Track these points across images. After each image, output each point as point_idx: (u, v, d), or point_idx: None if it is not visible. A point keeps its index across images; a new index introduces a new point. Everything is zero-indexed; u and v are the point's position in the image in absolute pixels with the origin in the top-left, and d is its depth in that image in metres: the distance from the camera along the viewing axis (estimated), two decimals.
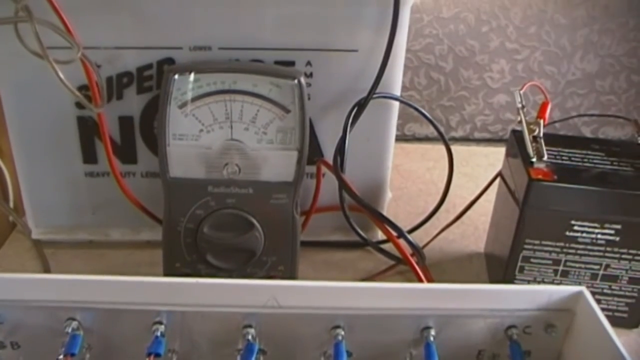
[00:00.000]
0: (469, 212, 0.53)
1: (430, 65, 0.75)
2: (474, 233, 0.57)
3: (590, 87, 0.78)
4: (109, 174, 0.49)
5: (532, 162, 0.43)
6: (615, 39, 0.75)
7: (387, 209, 0.54)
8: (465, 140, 0.81)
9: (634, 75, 0.78)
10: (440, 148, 0.52)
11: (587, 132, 0.81)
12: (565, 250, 0.43)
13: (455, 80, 0.76)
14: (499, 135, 0.81)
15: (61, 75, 0.39)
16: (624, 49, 0.76)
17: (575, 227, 0.43)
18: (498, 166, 0.51)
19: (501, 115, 0.79)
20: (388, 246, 0.51)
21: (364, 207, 0.45)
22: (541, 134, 0.45)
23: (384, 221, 0.45)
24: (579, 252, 0.43)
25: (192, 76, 0.42)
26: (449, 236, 0.55)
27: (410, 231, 0.54)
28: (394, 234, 0.45)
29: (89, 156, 0.49)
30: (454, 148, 0.52)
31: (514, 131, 0.48)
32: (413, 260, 0.46)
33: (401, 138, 0.79)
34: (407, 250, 0.46)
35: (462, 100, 0.78)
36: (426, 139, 0.79)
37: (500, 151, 0.50)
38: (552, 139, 0.46)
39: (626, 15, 0.74)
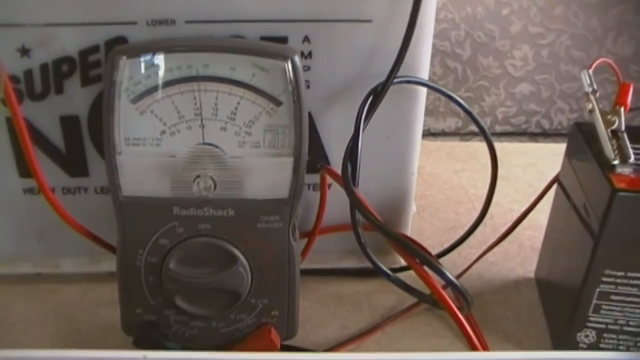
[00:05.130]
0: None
1: (445, 52, 0.69)
2: (520, 253, 0.46)
3: (625, 73, 0.70)
4: (54, 189, 0.39)
5: (613, 166, 0.32)
6: None
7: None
8: None
9: None
10: (467, 145, 0.42)
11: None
12: None
13: (473, 68, 0.71)
14: (522, 129, 0.73)
15: None
16: None
17: None
18: (539, 165, 0.41)
19: (524, 106, 0.72)
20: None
21: (382, 231, 0.34)
22: (622, 127, 0.34)
23: (410, 252, 0.34)
24: None
25: (148, 59, 0.31)
26: (488, 257, 0.44)
27: (441, 254, 0.43)
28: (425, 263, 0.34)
29: (27, 168, 0.38)
30: (478, 145, 0.41)
31: (578, 124, 0.37)
32: (453, 304, 0.34)
33: None
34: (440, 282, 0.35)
35: (482, 91, 0.72)
36: (442, 134, 0.72)
37: (539, 147, 0.40)
38: (635, 133, 0.35)
39: None
